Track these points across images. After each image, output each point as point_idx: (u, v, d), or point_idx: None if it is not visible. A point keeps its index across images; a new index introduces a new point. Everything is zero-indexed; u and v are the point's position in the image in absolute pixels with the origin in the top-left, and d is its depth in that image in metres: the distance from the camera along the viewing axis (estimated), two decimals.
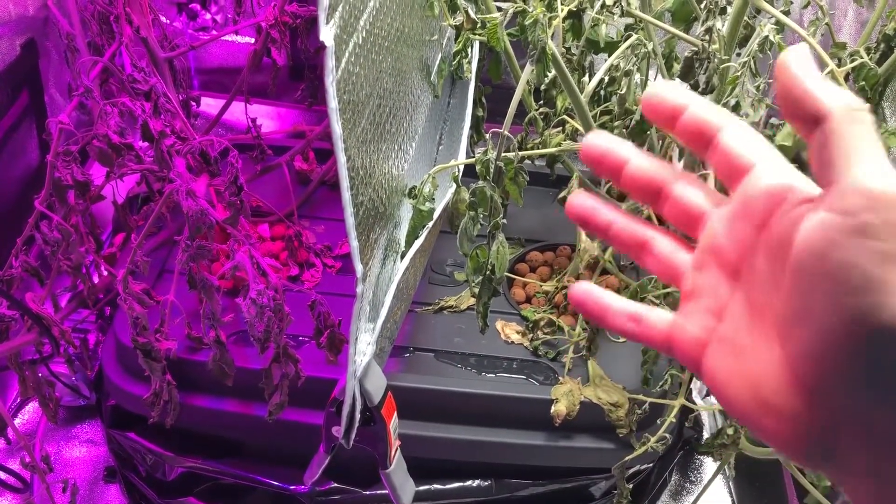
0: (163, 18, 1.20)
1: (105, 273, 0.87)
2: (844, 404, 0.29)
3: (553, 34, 0.68)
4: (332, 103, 0.50)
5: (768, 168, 0.32)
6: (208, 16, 1.22)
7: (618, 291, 0.93)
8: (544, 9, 0.60)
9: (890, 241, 0.27)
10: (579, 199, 0.38)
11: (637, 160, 0.36)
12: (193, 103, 1.04)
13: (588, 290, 0.38)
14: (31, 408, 1.02)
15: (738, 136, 0.33)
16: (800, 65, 0.31)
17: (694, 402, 0.87)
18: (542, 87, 0.81)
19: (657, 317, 0.36)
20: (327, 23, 0.49)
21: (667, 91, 0.34)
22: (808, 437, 0.30)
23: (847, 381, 0.28)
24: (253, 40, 0.96)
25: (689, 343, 0.35)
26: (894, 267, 0.27)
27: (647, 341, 0.36)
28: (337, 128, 0.51)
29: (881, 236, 0.27)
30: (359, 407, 0.62)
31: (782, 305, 0.30)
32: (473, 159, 0.68)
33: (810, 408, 0.30)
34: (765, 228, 0.31)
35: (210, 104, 1.23)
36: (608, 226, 0.37)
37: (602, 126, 0.85)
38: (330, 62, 0.49)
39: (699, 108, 0.33)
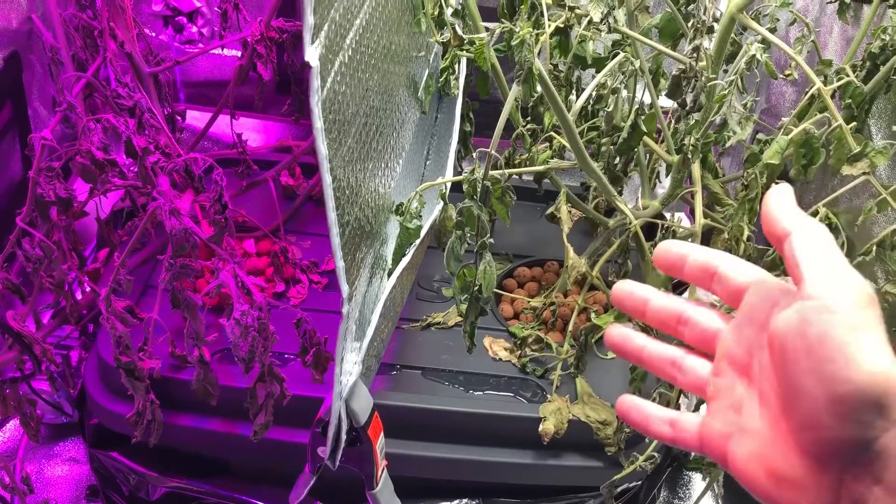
0: (149, 31, 1.19)
1: (88, 289, 0.86)
2: (844, 467, 0.33)
3: (540, 51, 0.68)
4: (318, 123, 0.50)
5: (766, 282, 0.38)
6: (194, 29, 1.21)
7: (605, 309, 0.93)
8: (531, 28, 0.60)
9: (850, 313, 0.33)
10: (616, 331, 0.45)
11: (656, 298, 0.43)
12: (179, 118, 1.03)
13: (633, 403, 0.44)
14: (12, 426, 1.01)
15: (734, 265, 0.40)
16: (777, 197, 0.38)
17: None
18: (530, 105, 0.81)
19: (689, 419, 0.42)
20: (312, 43, 0.48)
21: (672, 244, 0.42)
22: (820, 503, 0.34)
23: (841, 442, 0.33)
24: (240, 54, 0.96)
25: (715, 438, 0.40)
26: (858, 332, 0.33)
27: (683, 444, 0.42)
28: (322, 148, 0.51)
29: (843, 309, 0.33)
30: (345, 427, 0.61)
31: (780, 386, 0.35)
32: (461, 177, 0.68)
33: (816, 475, 0.34)
34: (765, 329, 0.37)
35: (196, 117, 1.23)
36: (641, 350, 0.44)
37: (590, 142, 0.85)
38: (315, 82, 0.48)
39: (699, 253, 0.41)
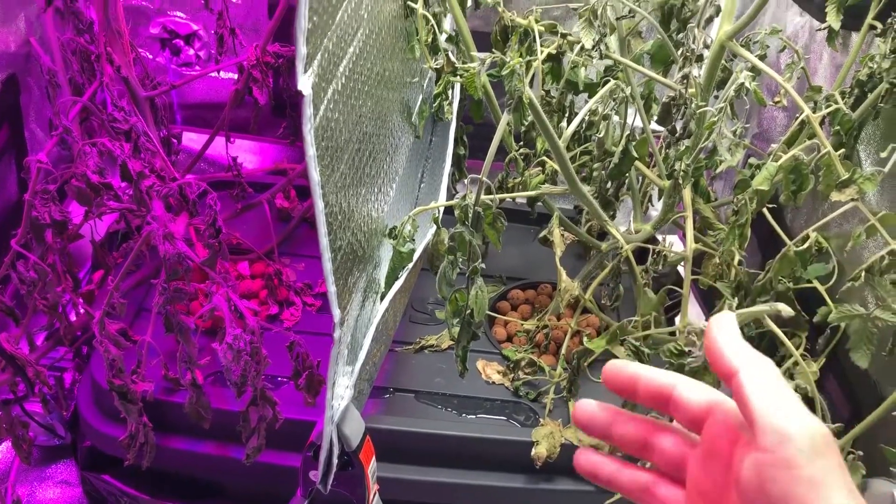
0: (146, 54, 1.20)
1: (82, 311, 0.86)
2: None
3: (532, 77, 0.69)
4: (310, 150, 0.50)
5: (723, 408, 0.37)
6: (191, 51, 1.22)
7: (598, 332, 0.93)
8: (521, 57, 0.61)
9: (808, 466, 0.32)
10: (586, 458, 0.43)
11: (618, 423, 0.41)
12: (175, 140, 1.04)
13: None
14: (4, 448, 1.00)
15: (687, 390, 0.38)
16: (719, 330, 0.37)
17: None
18: (522, 130, 0.81)
19: None
20: (305, 72, 0.49)
21: (620, 367, 0.40)
22: None
23: None
24: (236, 77, 0.96)
25: None
26: (820, 488, 0.32)
27: None
28: (315, 175, 0.51)
29: (801, 464, 0.32)
30: (336, 452, 0.61)
31: None
32: (453, 202, 0.68)
33: None
34: (730, 468, 0.36)
35: (193, 139, 1.23)
36: (613, 476, 0.42)
37: (582, 166, 0.86)
38: (308, 110, 0.49)
39: (649, 377, 0.39)
